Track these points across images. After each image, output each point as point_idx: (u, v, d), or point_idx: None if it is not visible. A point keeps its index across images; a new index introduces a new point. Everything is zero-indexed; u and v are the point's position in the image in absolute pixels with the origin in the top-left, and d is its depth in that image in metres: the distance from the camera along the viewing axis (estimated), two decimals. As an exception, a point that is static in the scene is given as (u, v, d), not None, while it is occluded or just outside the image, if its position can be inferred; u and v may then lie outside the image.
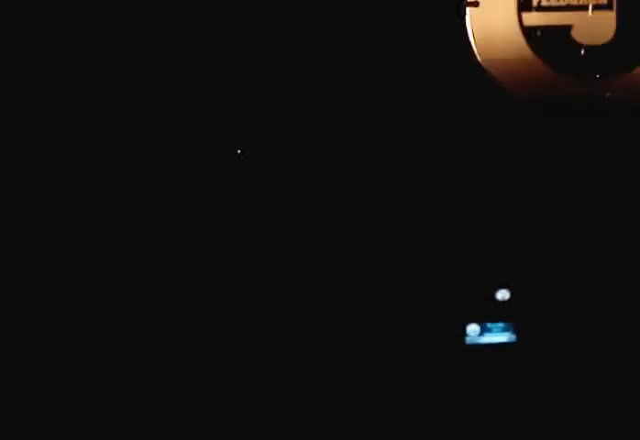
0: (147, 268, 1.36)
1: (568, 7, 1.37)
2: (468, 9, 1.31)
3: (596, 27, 1.38)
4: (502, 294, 1.43)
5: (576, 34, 1.38)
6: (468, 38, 1.32)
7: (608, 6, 1.36)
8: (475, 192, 1.42)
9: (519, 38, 1.38)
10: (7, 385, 1.34)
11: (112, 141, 1.37)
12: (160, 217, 1.38)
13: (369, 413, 1.42)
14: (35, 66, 1.35)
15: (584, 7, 1.36)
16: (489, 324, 1.45)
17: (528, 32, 1.38)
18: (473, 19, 1.32)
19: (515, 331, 1.45)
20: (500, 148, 1.39)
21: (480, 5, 1.35)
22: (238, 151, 1.39)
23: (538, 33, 1.38)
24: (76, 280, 1.35)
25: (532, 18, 1.38)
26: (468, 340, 1.44)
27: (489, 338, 1.45)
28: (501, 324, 1.45)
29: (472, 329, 1.44)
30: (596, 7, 1.36)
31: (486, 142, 1.39)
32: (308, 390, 1.42)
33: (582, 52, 1.39)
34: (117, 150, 1.37)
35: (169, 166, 1.38)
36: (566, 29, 1.38)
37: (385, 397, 1.43)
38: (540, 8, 1.37)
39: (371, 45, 1.33)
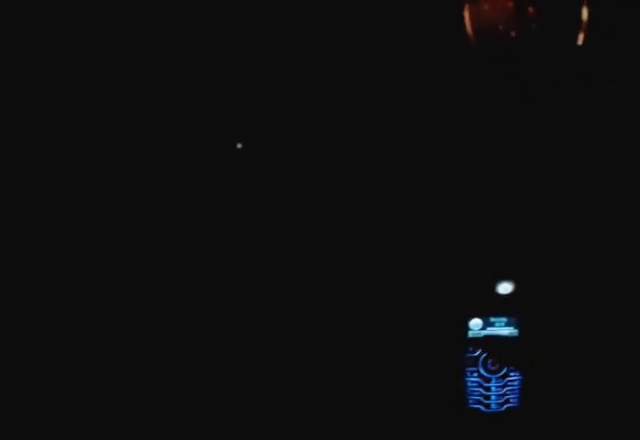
0: (145, 266, 1.39)
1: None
2: (467, 6, 1.26)
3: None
4: (505, 288, 1.42)
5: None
6: (465, 34, 1.28)
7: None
8: (476, 186, 1.40)
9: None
10: (7, 385, 1.40)
11: (111, 141, 1.38)
12: (160, 215, 1.40)
13: (371, 409, 1.45)
14: (35, 66, 1.37)
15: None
16: (492, 318, 1.45)
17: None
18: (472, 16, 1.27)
19: (518, 325, 1.44)
20: (500, 145, 1.36)
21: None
22: (238, 146, 1.40)
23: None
24: (73, 280, 1.39)
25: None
26: (471, 334, 1.45)
27: (491, 332, 1.45)
28: (503, 318, 1.45)
29: (475, 323, 1.45)
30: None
31: (485, 141, 1.37)
32: (310, 385, 1.45)
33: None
34: (117, 150, 1.38)
35: (169, 164, 1.39)
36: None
37: (387, 392, 1.46)
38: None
39: (369, 43, 1.30)
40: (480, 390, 1.44)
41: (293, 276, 1.42)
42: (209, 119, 1.38)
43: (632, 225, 1.39)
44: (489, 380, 1.44)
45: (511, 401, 1.44)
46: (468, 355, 1.43)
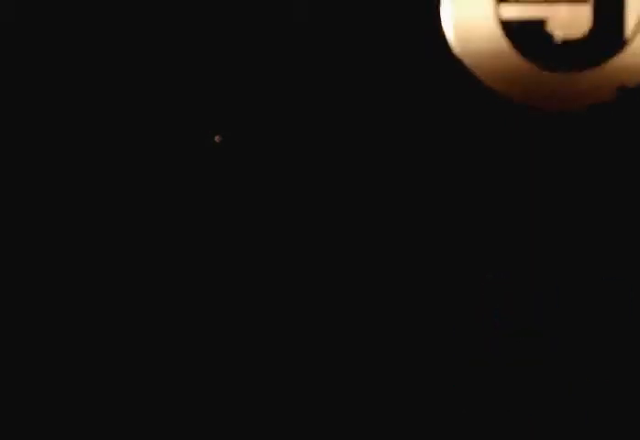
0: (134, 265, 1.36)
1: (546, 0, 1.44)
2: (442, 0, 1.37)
3: (572, 20, 1.44)
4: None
5: (552, 27, 1.44)
6: (443, 30, 1.37)
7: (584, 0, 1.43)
8: (476, 186, 1.46)
9: (496, 30, 1.43)
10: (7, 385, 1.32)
11: (111, 141, 1.39)
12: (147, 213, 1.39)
13: (373, 407, 1.42)
14: (35, 66, 1.38)
15: (561, 1, 1.43)
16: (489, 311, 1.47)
17: (505, 25, 1.43)
18: (449, 11, 1.37)
19: (513, 319, 1.47)
20: (500, 145, 1.43)
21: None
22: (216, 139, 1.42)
23: (515, 26, 1.43)
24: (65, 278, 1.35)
25: (509, 11, 1.44)
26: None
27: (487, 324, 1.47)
28: (496, 312, 1.47)
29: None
30: (572, 1, 1.44)
31: (470, 140, 1.43)
32: (312, 385, 1.42)
33: (558, 45, 1.45)
34: (116, 151, 1.39)
35: (165, 162, 1.40)
36: (542, 22, 1.44)
37: (391, 390, 1.43)
38: (518, 0, 1.43)
39: (369, 43, 1.37)
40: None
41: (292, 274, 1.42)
42: (204, 120, 1.41)
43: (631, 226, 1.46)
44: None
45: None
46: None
